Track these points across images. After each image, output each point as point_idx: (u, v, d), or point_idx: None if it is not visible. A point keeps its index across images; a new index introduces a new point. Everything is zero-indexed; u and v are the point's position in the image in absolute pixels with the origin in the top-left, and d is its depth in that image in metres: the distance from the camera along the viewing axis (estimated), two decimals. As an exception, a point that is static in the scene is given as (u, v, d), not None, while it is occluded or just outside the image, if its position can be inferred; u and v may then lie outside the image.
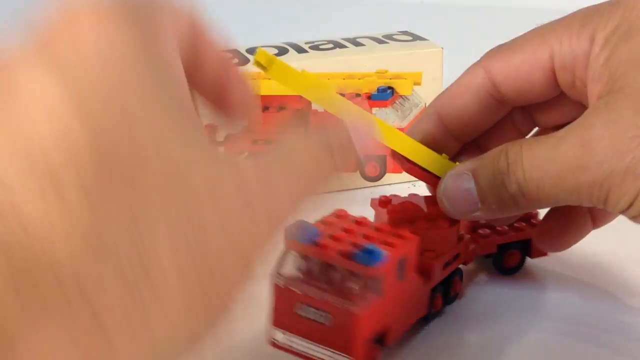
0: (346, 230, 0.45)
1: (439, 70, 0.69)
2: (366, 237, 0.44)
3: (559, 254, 0.53)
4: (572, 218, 0.48)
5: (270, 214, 0.30)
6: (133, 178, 0.25)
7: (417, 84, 0.69)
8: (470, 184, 0.42)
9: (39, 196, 0.23)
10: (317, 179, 0.34)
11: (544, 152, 0.40)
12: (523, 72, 0.45)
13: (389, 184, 0.70)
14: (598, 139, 0.38)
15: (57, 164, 0.24)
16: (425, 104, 0.69)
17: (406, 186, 0.71)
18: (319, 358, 0.43)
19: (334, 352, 0.43)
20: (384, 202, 0.50)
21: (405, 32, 0.73)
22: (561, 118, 0.48)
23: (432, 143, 0.47)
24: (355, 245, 0.43)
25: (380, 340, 0.44)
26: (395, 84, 0.68)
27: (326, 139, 0.35)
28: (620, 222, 0.44)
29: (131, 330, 0.24)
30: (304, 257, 0.44)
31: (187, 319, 0.27)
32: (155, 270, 0.25)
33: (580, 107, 0.44)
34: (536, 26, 0.47)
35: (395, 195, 0.51)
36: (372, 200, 0.50)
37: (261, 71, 0.42)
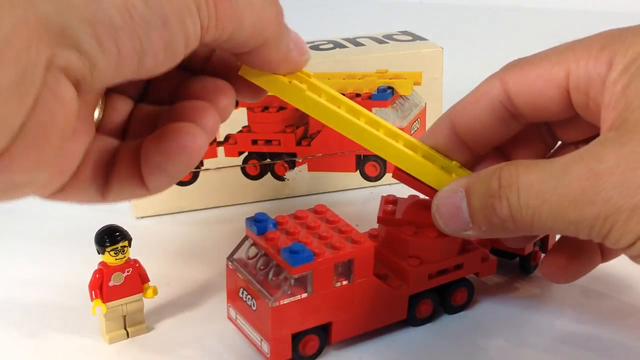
0: (307, 227, 0.46)
1: (439, 70, 0.69)
2: (320, 236, 0.45)
3: None
4: (582, 251, 0.47)
5: None
6: None
7: (417, 84, 0.69)
8: (463, 202, 0.42)
9: None
10: None
11: (546, 179, 0.39)
12: (537, 88, 0.44)
13: (389, 184, 0.70)
14: (608, 174, 0.37)
15: None
16: (426, 104, 0.69)
17: (406, 186, 0.71)
18: (251, 337, 0.46)
19: (259, 336, 0.45)
20: (389, 202, 0.50)
21: (405, 32, 0.73)
22: (581, 135, 0.47)
23: (445, 150, 0.47)
24: (293, 242, 0.44)
25: (321, 333, 0.46)
26: (395, 84, 0.68)
27: None
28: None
29: None
30: (256, 246, 0.46)
31: None
32: None
33: (597, 127, 0.43)
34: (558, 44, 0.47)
35: (412, 196, 0.51)
36: (382, 197, 0.50)
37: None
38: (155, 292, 0.49)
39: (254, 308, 0.45)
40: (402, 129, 0.50)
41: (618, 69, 0.41)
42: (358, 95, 0.67)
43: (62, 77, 0.27)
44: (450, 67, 0.76)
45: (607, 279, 0.55)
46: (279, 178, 0.67)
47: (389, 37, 0.71)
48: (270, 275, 0.45)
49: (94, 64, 0.27)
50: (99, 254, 0.47)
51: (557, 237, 0.54)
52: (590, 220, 0.38)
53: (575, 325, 0.50)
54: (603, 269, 0.52)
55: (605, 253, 0.48)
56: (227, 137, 0.65)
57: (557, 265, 0.47)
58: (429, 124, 0.70)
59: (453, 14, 1.33)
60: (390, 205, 0.49)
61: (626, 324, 0.50)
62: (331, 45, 0.69)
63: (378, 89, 0.67)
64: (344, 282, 0.45)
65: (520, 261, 0.55)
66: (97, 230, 0.47)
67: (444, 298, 0.50)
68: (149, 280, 0.49)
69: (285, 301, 0.44)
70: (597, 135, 0.41)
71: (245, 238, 0.47)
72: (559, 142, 0.50)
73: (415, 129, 0.69)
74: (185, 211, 0.66)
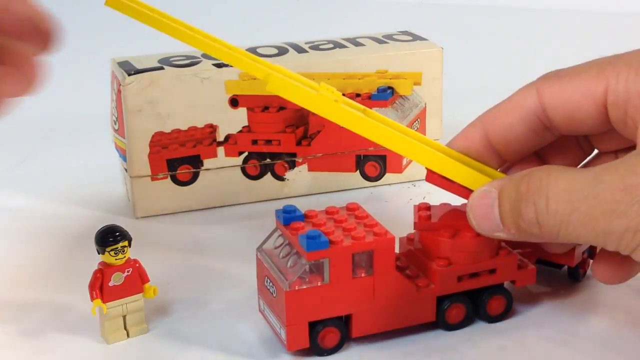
0: (334, 220, 0.47)
1: (439, 70, 0.69)
2: (344, 229, 0.46)
3: None
4: None
5: None
6: None
7: (417, 84, 0.69)
8: (495, 203, 0.42)
9: None
10: None
11: (577, 187, 0.38)
12: (574, 101, 0.44)
13: (389, 184, 0.70)
14: None
15: None
16: (426, 104, 0.69)
17: (406, 186, 0.71)
18: (273, 326, 0.47)
19: (278, 322, 0.46)
20: (422, 209, 0.50)
21: (405, 32, 0.73)
22: (618, 145, 0.47)
23: (476, 156, 0.47)
24: (310, 229, 0.45)
25: (341, 327, 0.46)
26: (395, 84, 0.68)
27: None
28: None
29: None
30: (283, 236, 0.47)
31: None
32: None
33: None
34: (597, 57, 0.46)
35: (444, 204, 0.50)
36: (415, 206, 0.50)
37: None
38: (155, 292, 0.49)
39: (275, 295, 0.45)
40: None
41: None
42: (358, 95, 0.67)
43: None
44: (450, 67, 0.76)
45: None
46: (279, 178, 0.67)
47: (389, 37, 0.71)
48: (290, 263, 0.45)
49: None
50: (99, 254, 0.47)
51: None
52: (619, 233, 0.37)
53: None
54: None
55: None
56: (227, 137, 0.65)
57: (606, 267, 0.46)
58: (429, 124, 0.70)
59: (453, 14, 1.33)
60: (425, 212, 0.49)
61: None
62: (331, 45, 0.69)
63: (378, 89, 0.67)
64: (364, 274, 0.45)
65: (568, 269, 0.53)
66: (97, 230, 0.47)
67: (478, 305, 0.49)
68: (149, 280, 0.49)
69: (302, 287, 0.44)
70: (635, 146, 0.40)
71: (275, 229, 0.48)
72: (596, 150, 0.49)
73: (415, 129, 0.69)
74: (185, 211, 0.66)
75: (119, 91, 0.62)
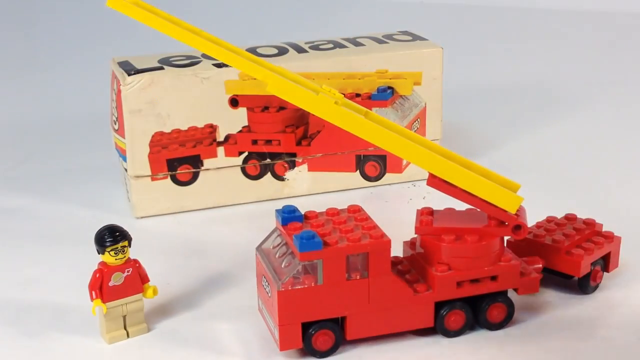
0: (332, 222, 0.47)
1: (439, 70, 0.69)
2: (341, 230, 0.46)
3: None
4: None
5: None
6: None
7: (417, 84, 0.69)
8: None
9: None
10: None
11: None
12: None
13: (389, 184, 0.70)
14: None
15: None
16: (426, 104, 0.69)
17: (406, 186, 0.71)
18: (269, 325, 0.47)
19: (272, 322, 0.46)
20: (425, 213, 0.50)
21: (405, 32, 0.73)
22: None
23: None
24: (304, 230, 0.45)
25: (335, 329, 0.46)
26: (395, 84, 0.68)
27: None
28: None
29: None
30: (281, 236, 0.47)
31: None
32: None
33: None
34: None
35: (448, 209, 0.50)
36: (418, 210, 0.50)
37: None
38: (155, 292, 0.49)
39: (270, 295, 0.46)
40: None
41: None
42: (358, 95, 0.67)
43: None
44: (450, 67, 0.76)
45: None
46: (279, 178, 0.67)
47: (389, 37, 0.71)
48: (284, 263, 0.46)
49: None
50: (99, 254, 0.47)
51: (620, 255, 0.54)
52: None
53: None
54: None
55: None
56: (227, 137, 0.65)
57: None
58: (429, 124, 0.70)
59: (453, 14, 1.33)
60: (427, 216, 0.49)
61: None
62: (331, 45, 0.69)
63: (378, 89, 0.67)
64: (358, 277, 0.45)
65: (578, 280, 0.52)
66: (97, 230, 0.47)
67: (478, 312, 0.48)
68: (149, 280, 0.49)
69: (295, 287, 0.44)
70: None
71: (275, 229, 0.48)
72: None
73: (415, 128, 0.69)
74: (185, 211, 0.66)
75: (119, 91, 0.62)
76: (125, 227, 0.47)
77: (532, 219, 0.52)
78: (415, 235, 0.49)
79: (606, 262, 0.53)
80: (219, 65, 0.63)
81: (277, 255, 0.47)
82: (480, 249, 0.47)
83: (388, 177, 0.70)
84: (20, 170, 0.76)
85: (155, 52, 0.67)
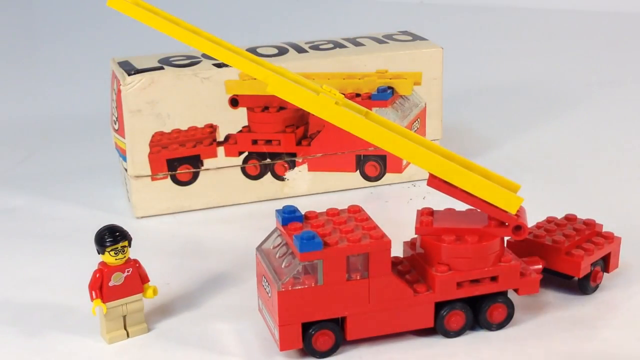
0: (333, 222, 0.47)
1: (439, 70, 0.69)
2: (341, 231, 0.46)
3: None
4: None
5: None
6: None
7: (417, 84, 0.69)
8: None
9: None
10: None
11: None
12: None
13: (389, 184, 0.70)
14: None
15: None
16: (426, 104, 0.69)
17: (406, 186, 0.71)
18: (270, 326, 0.47)
19: (272, 322, 0.46)
20: (425, 214, 0.50)
21: (405, 32, 0.73)
22: None
23: None
24: (305, 230, 0.45)
25: (336, 330, 0.46)
26: (395, 84, 0.68)
27: None
28: None
29: None
30: (281, 236, 0.47)
31: None
32: None
33: None
34: None
35: (449, 209, 0.50)
36: (418, 210, 0.50)
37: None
38: (155, 292, 0.49)
39: (270, 295, 0.46)
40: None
41: None
42: (358, 95, 0.67)
43: None
44: (450, 67, 0.76)
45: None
46: (279, 178, 0.67)
47: (389, 37, 0.71)
48: (285, 263, 0.46)
49: None
50: (99, 254, 0.47)
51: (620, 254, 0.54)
52: None
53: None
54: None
55: None
56: (227, 137, 0.65)
57: None
58: (428, 124, 0.70)
59: (453, 14, 1.33)
60: (427, 217, 0.49)
61: None
62: (331, 45, 0.69)
63: (378, 89, 0.67)
64: (359, 277, 0.45)
65: (578, 281, 0.52)
66: (97, 231, 0.47)
67: (478, 313, 0.48)
68: (149, 280, 0.49)
69: (295, 287, 0.44)
70: None
71: (275, 230, 0.48)
72: None
73: (415, 128, 0.69)
74: (185, 211, 0.66)
75: (119, 91, 0.62)
76: (125, 227, 0.47)
77: (532, 219, 0.52)
78: (416, 236, 0.49)
79: (606, 263, 0.53)
80: (219, 65, 0.63)
81: (277, 256, 0.47)
82: (481, 250, 0.47)
83: (388, 177, 0.70)
84: (20, 170, 0.76)
85: (155, 52, 0.67)
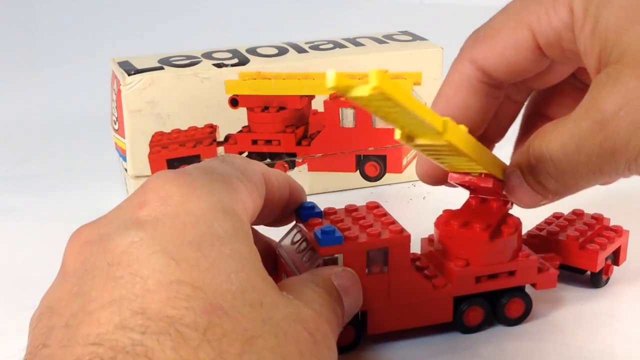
0: (352, 218, 0.47)
1: (439, 70, 0.69)
2: (361, 226, 0.46)
3: None
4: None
5: None
6: (243, 334, 0.32)
7: (417, 84, 0.69)
8: (520, 178, 0.43)
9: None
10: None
11: (567, 142, 0.39)
12: (509, 56, 0.44)
13: (389, 184, 0.70)
14: (615, 118, 0.37)
15: (182, 324, 0.31)
16: (426, 104, 0.69)
17: (406, 186, 0.71)
18: None
19: None
20: (445, 211, 0.49)
21: (405, 32, 0.73)
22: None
23: None
24: (325, 225, 0.45)
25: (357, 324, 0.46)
26: (395, 84, 0.68)
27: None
28: None
29: None
30: (301, 232, 0.47)
31: None
32: None
33: None
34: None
35: (466, 205, 0.50)
36: (440, 214, 0.50)
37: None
38: (155, 292, 0.49)
39: None
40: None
41: (579, 14, 0.40)
42: (358, 95, 0.67)
43: None
44: (450, 67, 0.76)
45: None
46: (279, 178, 0.67)
47: (389, 37, 0.71)
48: (305, 258, 0.45)
49: None
50: (99, 254, 0.47)
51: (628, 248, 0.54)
52: (624, 165, 0.38)
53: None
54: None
55: None
56: (227, 137, 0.65)
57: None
58: (429, 124, 0.70)
59: (453, 14, 1.33)
60: (446, 213, 0.49)
61: None
62: (331, 45, 0.69)
63: (378, 89, 0.67)
64: (378, 271, 0.45)
65: (591, 275, 0.52)
66: (97, 230, 0.47)
67: (496, 308, 0.48)
68: (149, 280, 0.49)
69: None
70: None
71: (295, 225, 0.48)
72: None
73: (415, 129, 0.69)
74: (185, 211, 0.66)
75: (119, 91, 0.62)
76: (125, 227, 0.47)
77: (537, 216, 0.52)
78: (432, 232, 0.49)
79: (616, 256, 0.53)
80: (219, 65, 0.63)
81: (297, 251, 0.46)
82: (499, 245, 0.47)
83: (388, 177, 0.70)
84: (20, 170, 0.76)
85: (155, 52, 0.67)
